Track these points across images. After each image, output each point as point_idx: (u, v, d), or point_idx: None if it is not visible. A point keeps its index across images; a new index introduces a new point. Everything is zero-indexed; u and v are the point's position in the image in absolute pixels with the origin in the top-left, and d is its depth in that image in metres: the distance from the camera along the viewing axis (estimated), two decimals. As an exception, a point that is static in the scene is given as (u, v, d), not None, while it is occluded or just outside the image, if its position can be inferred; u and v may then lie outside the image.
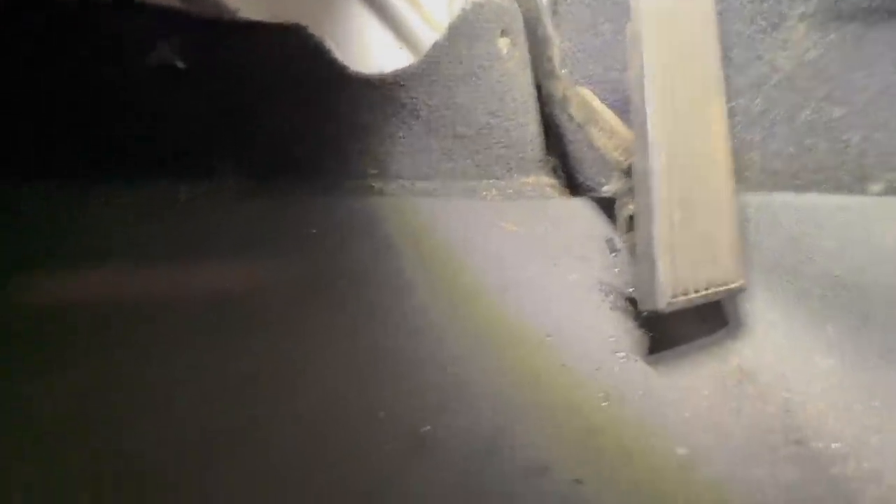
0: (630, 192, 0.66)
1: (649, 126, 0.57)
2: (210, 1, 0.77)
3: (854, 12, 0.60)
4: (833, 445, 0.48)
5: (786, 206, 0.61)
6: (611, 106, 0.77)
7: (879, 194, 0.58)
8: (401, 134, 0.83)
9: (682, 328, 0.62)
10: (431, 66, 0.81)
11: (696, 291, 0.56)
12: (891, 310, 0.54)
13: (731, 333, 0.60)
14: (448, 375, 0.51)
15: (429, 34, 0.87)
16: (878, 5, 0.58)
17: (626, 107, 0.79)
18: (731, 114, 0.65)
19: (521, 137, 0.93)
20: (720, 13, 0.65)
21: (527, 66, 0.92)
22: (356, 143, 0.80)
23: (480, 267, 0.67)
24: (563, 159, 0.96)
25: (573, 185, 0.95)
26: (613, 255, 0.75)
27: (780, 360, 0.55)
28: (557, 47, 0.86)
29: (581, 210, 0.86)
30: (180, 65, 0.68)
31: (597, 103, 0.77)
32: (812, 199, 0.59)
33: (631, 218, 0.64)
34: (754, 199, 0.64)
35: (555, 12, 0.88)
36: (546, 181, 0.98)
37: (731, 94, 0.66)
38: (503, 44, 0.88)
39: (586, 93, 0.78)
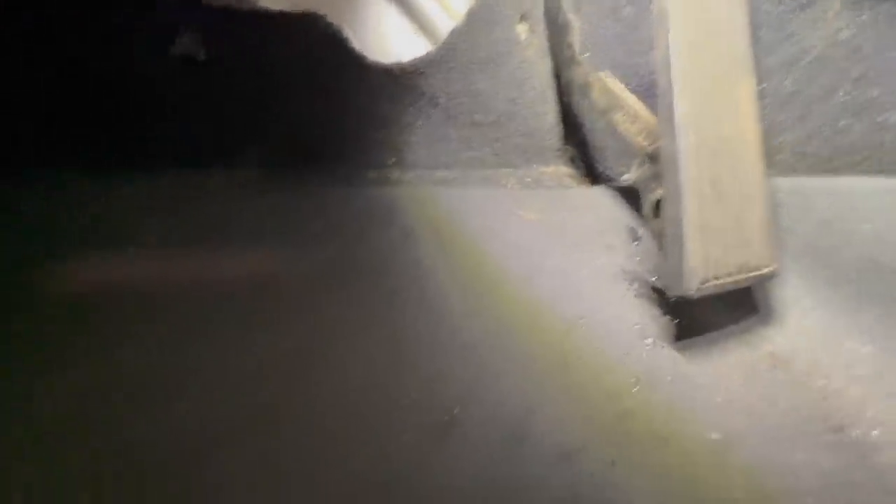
0: (655, 177, 0.65)
1: (677, 106, 0.56)
2: (229, -10, 0.77)
3: (888, -10, 0.58)
4: (873, 433, 0.46)
5: (820, 190, 0.59)
6: (633, 91, 0.75)
7: (918, 176, 0.56)
8: (419, 123, 0.83)
9: (710, 315, 0.60)
10: (450, 52, 0.80)
11: (727, 276, 0.55)
12: (931, 295, 0.52)
13: (763, 320, 0.59)
14: (473, 361, 0.50)
15: (446, 21, 0.86)
16: (915, -19, 0.56)
17: (648, 92, 0.78)
18: (761, 96, 0.64)
19: (539, 126, 0.92)
20: (748, -8, 0.64)
21: (546, 53, 0.91)
22: (375, 132, 0.80)
23: (502, 255, 0.66)
24: (582, 148, 0.94)
25: (593, 174, 0.94)
26: (635, 243, 0.74)
27: (815, 347, 0.54)
28: (578, 32, 0.85)
29: (601, 199, 0.85)
30: (202, 55, 0.69)
31: (619, 88, 0.75)
32: (848, 182, 0.58)
33: (658, 203, 0.63)
34: (786, 182, 0.62)
35: (575, -3, 0.87)
36: (565, 171, 0.97)
37: (760, 75, 0.64)
38: (522, 30, 0.87)
39: (608, 78, 0.77)
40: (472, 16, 0.82)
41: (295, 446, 0.40)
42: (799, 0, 0.65)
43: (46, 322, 0.44)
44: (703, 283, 0.53)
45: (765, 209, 0.58)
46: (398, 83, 0.80)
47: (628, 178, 0.74)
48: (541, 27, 0.91)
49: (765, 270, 0.57)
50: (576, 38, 0.85)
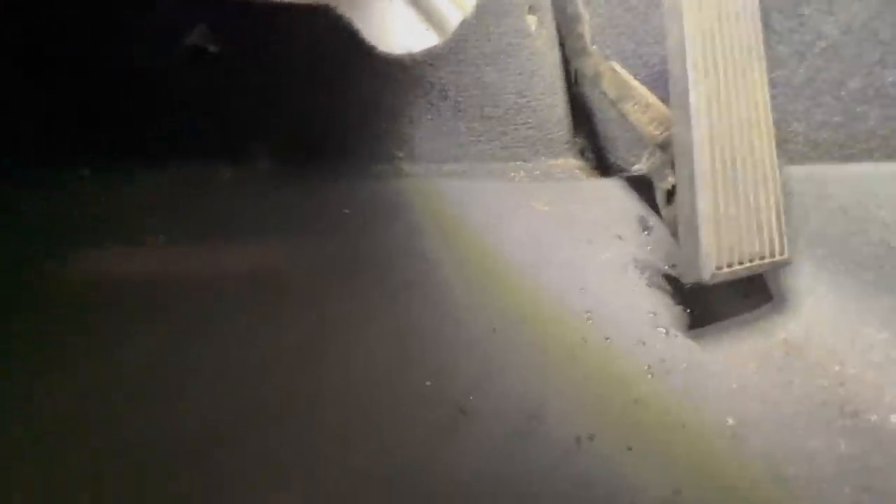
0: (667, 165, 0.65)
1: (691, 94, 0.56)
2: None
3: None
4: (892, 418, 0.46)
5: (834, 177, 0.59)
6: (642, 81, 0.75)
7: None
8: (429, 116, 0.83)
9: (723, 303, 0.60)
10: (460, 44, 0.80)
11: (740, 264, 0.54)
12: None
13: (777, 308, 0.59)
14: (487, 349, 0.51)
15: (455, 14, 0.86)
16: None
17: (657, 82, 0.77)
18: (773, 85, 0.63)
19: (548, 118, 0.92)
20: (760, -20, 0.63)
21: (555, 45, 0.90)
22: (384, 125, 0.80)
23: (512, 246, 0.66)
24: (592, 139, 0.94)
25: (603, 165, 0.93)
26: (646, 233, 0.74)
27: (829, 334, 0.53)
28: (587, 24, 0.85)
29: (611, 189, 0.85)
30: (213, 49, 0.69)
31: (630, 78, 0.75)
32: (863, 168, 0.57)
33: (670, 191, 0.62)
34: (799, 171, 0.62)
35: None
36: (574, 163, 0.96)
37: (772, 64, 0.64)
38: (531, 21, 0.87)
39: (618, 68, 0.77)
40: (481, 7, 0.82)
41: (302, 441, 0.40)
42: (812, -13, 0.64)
43: (49, 320, 0.45)
44: (717, 269, 0.53)
45: (777, 198, 0.58)
46: (407, 75, 0.80)
47: (640, 167, 0.74)
48: (549, 18, 0.91)
49: (778, 258, 0.57)
50: (586, 28, 0.85)
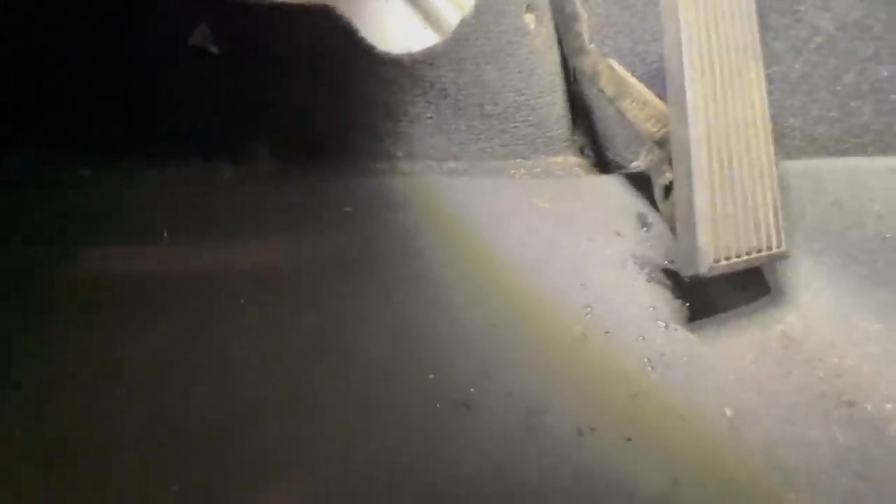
0: (665, 161, 0.66)
1: (688, 91, 0.56)
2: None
3: (898, -30, 0.58)
4: (887, 407, 0.47)
5: (830, 171, 0.59)
6: (640, 79, 0.76)
7: (930, 156, 0.56)
8: (429, 114, 0.83)
9: (722, 297, 0.61)
10: (460, 43, 0.80)
11: (738, 257, 0.55)
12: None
13: (774, 301, 0.59)
14: (488, 345, 0.51)
15: (454, 13, 0.87)
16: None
17: (654, 79, 0.78)
18: (769, 80, 0.64)
19: (548, 116, 0.92)
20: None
21: (553, 43, 0.91)
22: (384, 123, 0.80)
23: (515, 242, 0.67)
24: (591, 137, 0.95)
25: (602, 162, 0.94)
26: (645, 229, 0.75)
27: (826, 327, 0.54)
28: (585, 22, 0.85)
29: (611, 186, 0.85)
30: (214, 50, 0.69)
31: (627, 76, 0.76)
32: (858, 162, 0.58)
33: (668, 186, 0.63)
34: (795, 165, 0.63)
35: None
36: (574, 161, 0.97)
37: (768, 60, 0.65)
38: (530, 20, 0.87)
39: (616, 66, 0.77)
40: (480, 6, 0.83)
41: (303, 437, 0.41)
42: (808, -17, 0.64)
43: (50, 320, 0.45)
44: (714, 263, 0.53)
45: (774, 192, 0.59)
46: (407, 74, 0.80)
47: (638, 164, 0.75)
48: (548, 17, 0.92)
49: (776, 251, 0.57)
50: (584, 27, 0.85)
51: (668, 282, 0.64)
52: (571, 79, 0.92)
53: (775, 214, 0.58)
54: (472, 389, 0.46)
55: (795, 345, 0.54)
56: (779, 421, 0.46)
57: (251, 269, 0.56)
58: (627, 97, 0.74)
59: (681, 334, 0.56)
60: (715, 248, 0.53)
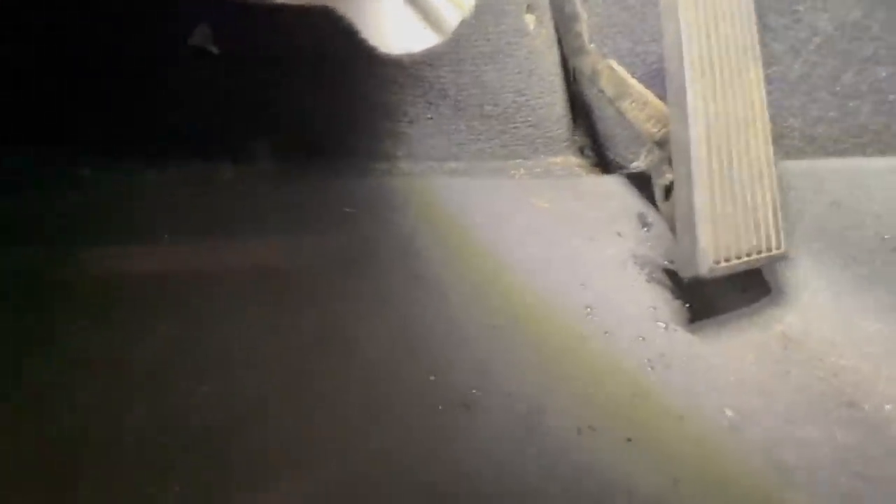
0: (665, 162, 0.66)
1: (688, 91, 0.56)
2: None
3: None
4: (886, 407, 0.47)
5: (829, 172, 0.59)
6: (640, 79, 0.76)
7: (929, 156, 0.57)
8: (429, 115, 0.83)
9: (722, 298, 0.61)
10: (460, 44, 0.81)
11: (738, 258, 0.55)
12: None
13: (774, 301, 0.60)
14: (489, 345, 0.51)
15: (454, 14, 0.87)
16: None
17: (654, 80, 0.78)
18: (769, 81, 0.64)
19: (548, 116, 0.93)
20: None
21: (553, 44, 0.91)
22: (385, 124, 0.80)
23: (515, 242, 0.67)
24: (592, 137, 0.95)
25: (602, 163, 0.94)
26: (645, 229, 0.75)
27: (826, 327, 0.54)
28: (585, 23, 0.85)
29: (611, 186, 0.85)
30: (214, 50, 0.70)
31: (627, 76, 0.76)
32: (857, 162, 0.58)
33: (668, 187, 0.63)
34: (795, 166, 0.63)
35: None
36: (574, 161, 0.97)
37: (767, 60, 0.65)
38: (529, 20, 0.87)
39: (616, 66, 0.78)
40: (480, 7, 0.83)
41: (304, 436, 0.41)
42: (807, -17, 0.65)
43: (50, 320, 0.45)
44: (715, 264, 0.54)
45: (774, 193, 0.59)
46: (408, 75, 0.80)
47: (638, 164, 0.75)
48: (548, 17, 0.92)
49: (775, 252, 0.57)
50: (584, 27, 0.85)
51: (669, 282, 0.64)
52: (571, 79, 0.92)
53: (775, 215, 0.58)
54: (472, 390, 0.46)
55: (795, 345, 0.54)
56: (779, 421, 0.47)
57: (251, 269, 0.56)
58: (627, 97, 0.74)
59: (681, 335, 0.56)
60: (715, 250, 0.53)
